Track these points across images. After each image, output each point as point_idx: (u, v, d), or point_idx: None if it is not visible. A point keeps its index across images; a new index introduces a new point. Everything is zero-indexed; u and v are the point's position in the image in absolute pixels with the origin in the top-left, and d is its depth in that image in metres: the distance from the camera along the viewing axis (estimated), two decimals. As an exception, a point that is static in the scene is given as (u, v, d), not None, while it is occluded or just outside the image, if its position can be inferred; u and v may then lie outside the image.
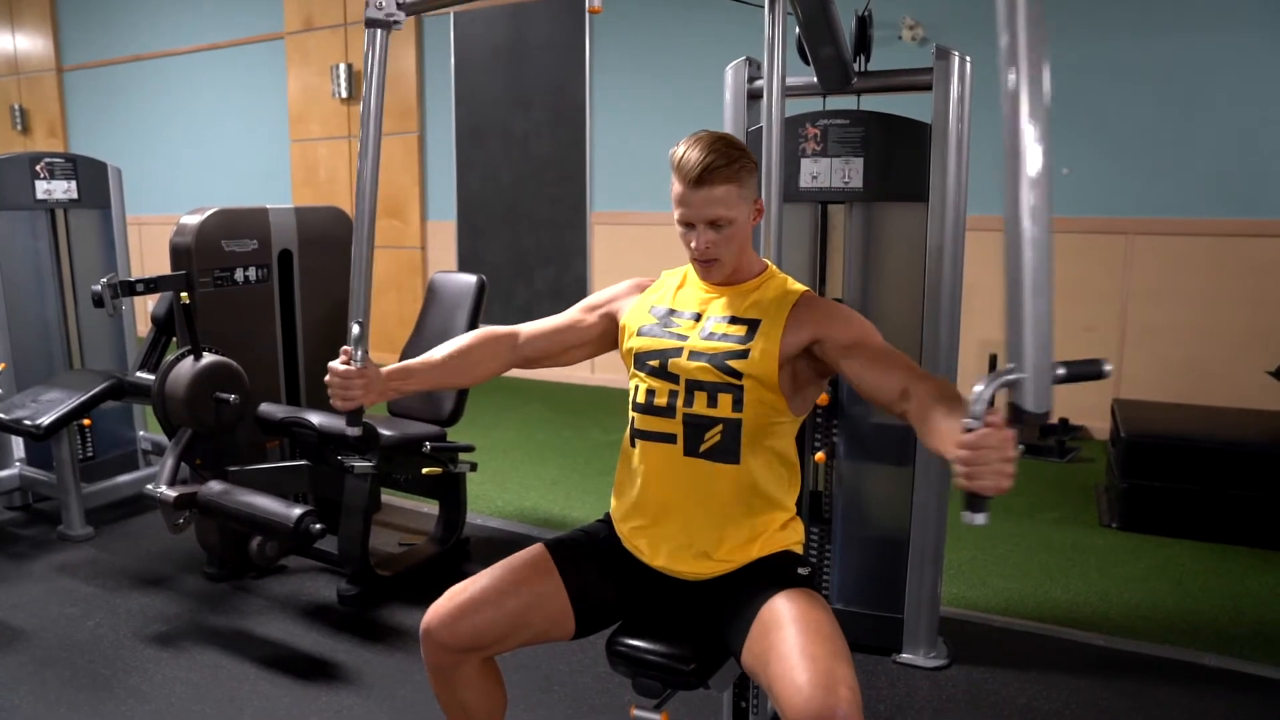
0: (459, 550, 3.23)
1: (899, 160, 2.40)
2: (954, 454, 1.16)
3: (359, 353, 1.63)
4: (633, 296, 1.74)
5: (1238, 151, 4.41)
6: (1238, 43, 4.34)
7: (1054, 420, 4.65)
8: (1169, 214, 4.58)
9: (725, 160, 1.51)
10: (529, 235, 6.29)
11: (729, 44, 5.37)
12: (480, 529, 3.53)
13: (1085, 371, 1.18)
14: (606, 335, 1.75)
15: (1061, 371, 1.14)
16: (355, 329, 1.67)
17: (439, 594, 1.66)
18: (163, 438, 4.04)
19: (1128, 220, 4.66)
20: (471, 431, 3.35)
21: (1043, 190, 1.08)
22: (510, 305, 6.22)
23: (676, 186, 1.55)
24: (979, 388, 1.17)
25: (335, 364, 1.63)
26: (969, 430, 1.15)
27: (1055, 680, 2.45)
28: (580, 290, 6.13)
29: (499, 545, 3.40)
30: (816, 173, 2.47)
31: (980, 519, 1.18)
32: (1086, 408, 4.76)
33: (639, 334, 1.66)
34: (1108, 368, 1.16)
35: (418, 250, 6.75)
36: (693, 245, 1.57)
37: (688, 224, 1.56)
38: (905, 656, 2.53)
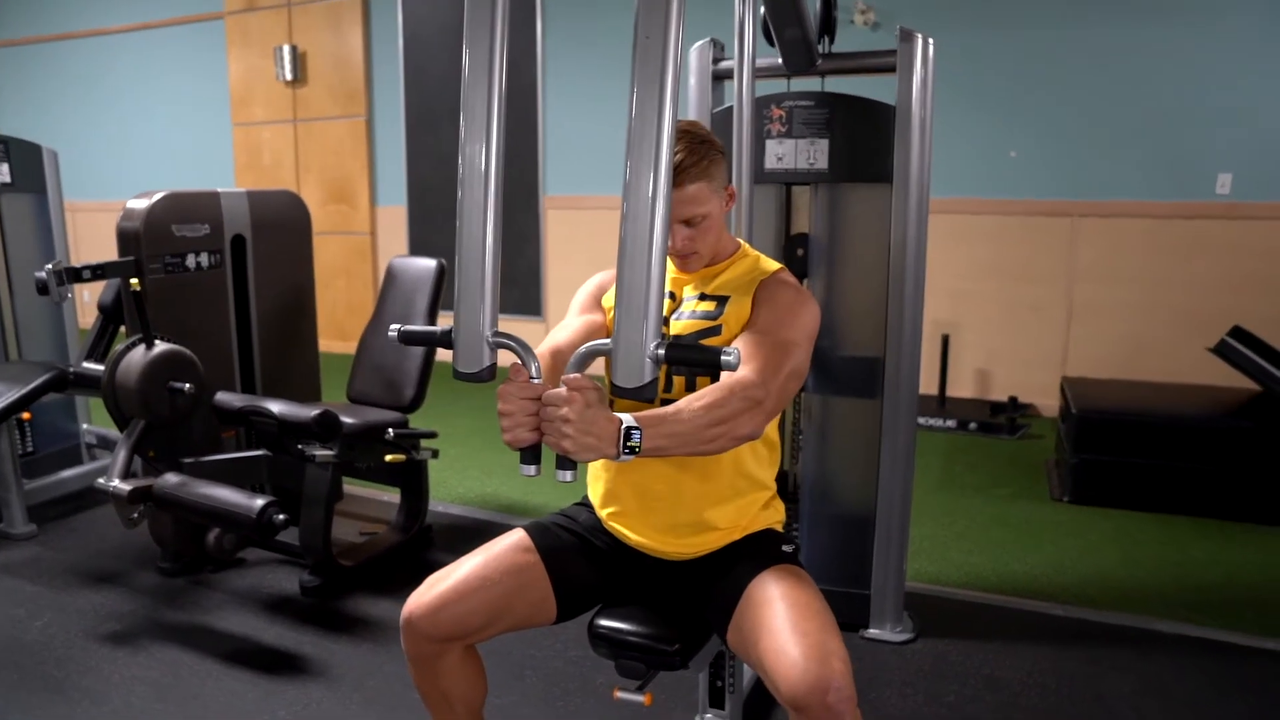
0: (422, 538, 3.20)
1: (864, 142, 2.42)
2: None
3: (534, 367, 1.29)
4: (614, 282, 1.73)
5: (1174, 136, 4.54)
6: (1173, 30, 4.46)
7: (1004, 399, 4.76)
8: (1111, 196, 4.70)
9: (694, 158, 1.50)
10: (481, 220, 6.20)
11: (686, 23, 5.37)
12: (442, 516, 3.50)
13: (696, 358, 1.23)
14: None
15: (661, 352, 1.19)
16: (503, 342, 1.28)
17: (403, 583, 1.63)
18: (108, 430, 3.92)
19: (1071, 203, 4.77)
20: (427, 418, 3.30)
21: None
22: (463, 291, 6.14)
23: None
24: (579, 351, 1.27)
25: (514, 386, 1.27)
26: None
27: (1018, 650, 2.51)
28: (534, 275, 6.09)
29: (462, 533, 3.37)
30: (781, 154, 2.48)
31: (565, 476, 1.27)
32: (1034, 386, 4.88)
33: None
34: (728, 359, 1.19)
35: (367, 236, 6.63)
36: (669, 244, 1.56)
37: None
38: (873, 631, 2.57)
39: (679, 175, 1.48)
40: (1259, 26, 4.32)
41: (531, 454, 1.29)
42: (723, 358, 1.18)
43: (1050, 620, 2.69)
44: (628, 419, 1.25)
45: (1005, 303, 4.94)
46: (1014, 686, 2.34)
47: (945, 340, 4.88)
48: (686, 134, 1.50)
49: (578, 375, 1.25)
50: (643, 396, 1.16)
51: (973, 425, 4.62)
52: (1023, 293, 4.91)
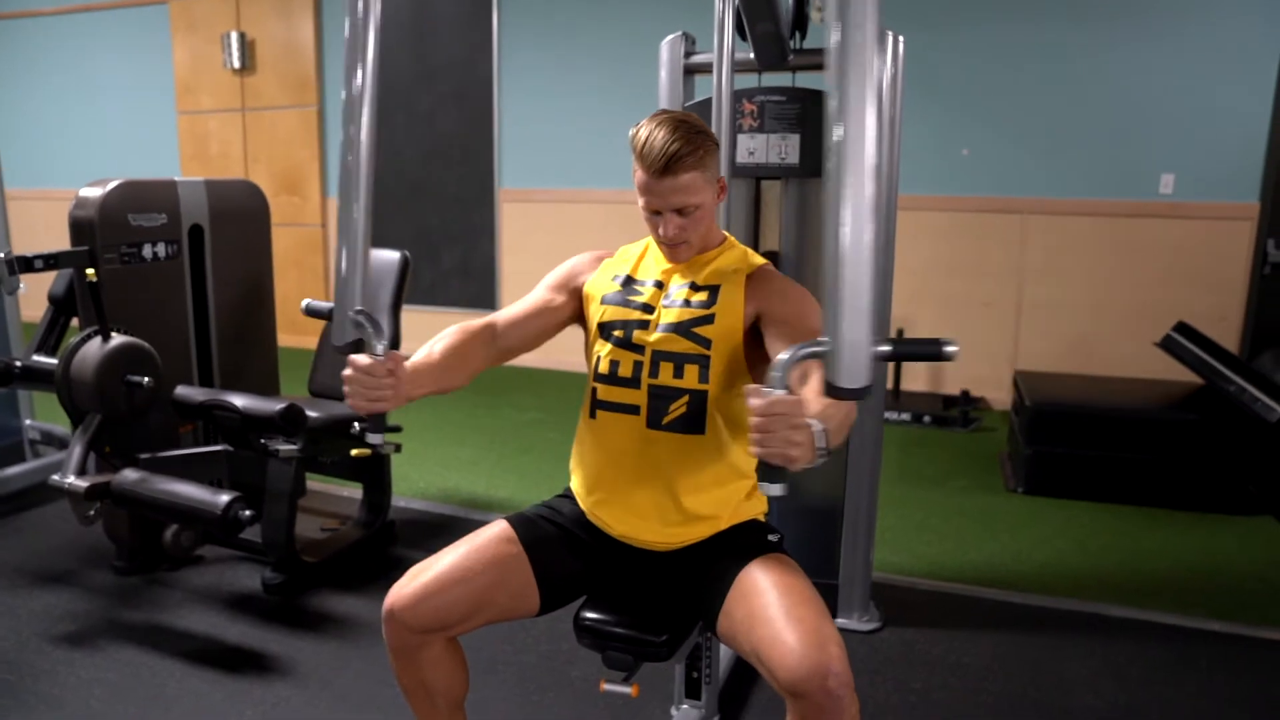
0: (385, 533, 3.15)
1: (835, 137, 2.44)
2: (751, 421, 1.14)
3: (380, 346, 1.41)
4: (594, 268, 1.73)
5: (1120, 137, 4.67)
6: (1120, 35, 4.59)
7: (956, 393, 4.86)
8: (1061, 194, 4.82)
9: (690, 147, 1.50)
10: (435, 213, 6.14)
11: (640, 18, 5.38)
12: (404, 511, 3.45)
13: (920, 351, 1.15)
14: (576, 313, 1.72)
15: (886, 349, 1.12)
16: (357, 319, 1.41)
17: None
18: (52, 425, 3.80)
19: (1022, 200, 4.88)
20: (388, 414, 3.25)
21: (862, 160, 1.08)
22: (417, 285, 6.07)
23: (640, 175, 1.53)
24: (783, 355, 1.15)
25: (360, 358, 1.41)
26: (763, 396, 1.13)
27: (981, 637, 2.57)
28: (489, 269, 6.04)
29: (424, 527, 3.34)
30: (753, 148, 2.50)
31: (775, 490, 1.15)
32: (985, 379, 4.99)
33: (602, 301, 1.66)
34: (950, 349, 1.12)
35: (318, 228, 6.50)
36: (661, 232, 1.57)
37: (654, 211, 1.56)
38: (841, 621, 2.61)
39: (674, 164, 1.48)
40: (1202, 33, 4.47)
41: (375, 422, 1.45)
42: (945, 348, 1.12)
43: (1010, 608, 2.76)
44: (815, 423, 1.16)
45: (957, 298, 5.04)
46: (979, 672, 2.40)
47: (899, 334, 4.96)
48: (683, 124, 1.51)
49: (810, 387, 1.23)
50: (863, 397, 1.10)
51: (926, 418, 4.71)
52: (974, 288, 5.01)
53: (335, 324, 1.42)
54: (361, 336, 1.42)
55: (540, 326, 1.69)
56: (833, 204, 1.07)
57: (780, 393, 1.13)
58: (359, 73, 1.36)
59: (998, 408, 4.94)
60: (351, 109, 1.35)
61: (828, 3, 1.07)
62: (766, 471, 1.15)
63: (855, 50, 1.05)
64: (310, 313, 1.50)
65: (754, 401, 1.13)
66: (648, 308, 1.62)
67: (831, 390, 1.11)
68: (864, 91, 1.05)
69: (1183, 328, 3.83)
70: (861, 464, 2.55)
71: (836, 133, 1.06)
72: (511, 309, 1.69)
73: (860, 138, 1.05)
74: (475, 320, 1.65)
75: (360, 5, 1.35)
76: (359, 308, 1.40)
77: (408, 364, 1.48)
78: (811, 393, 1.26)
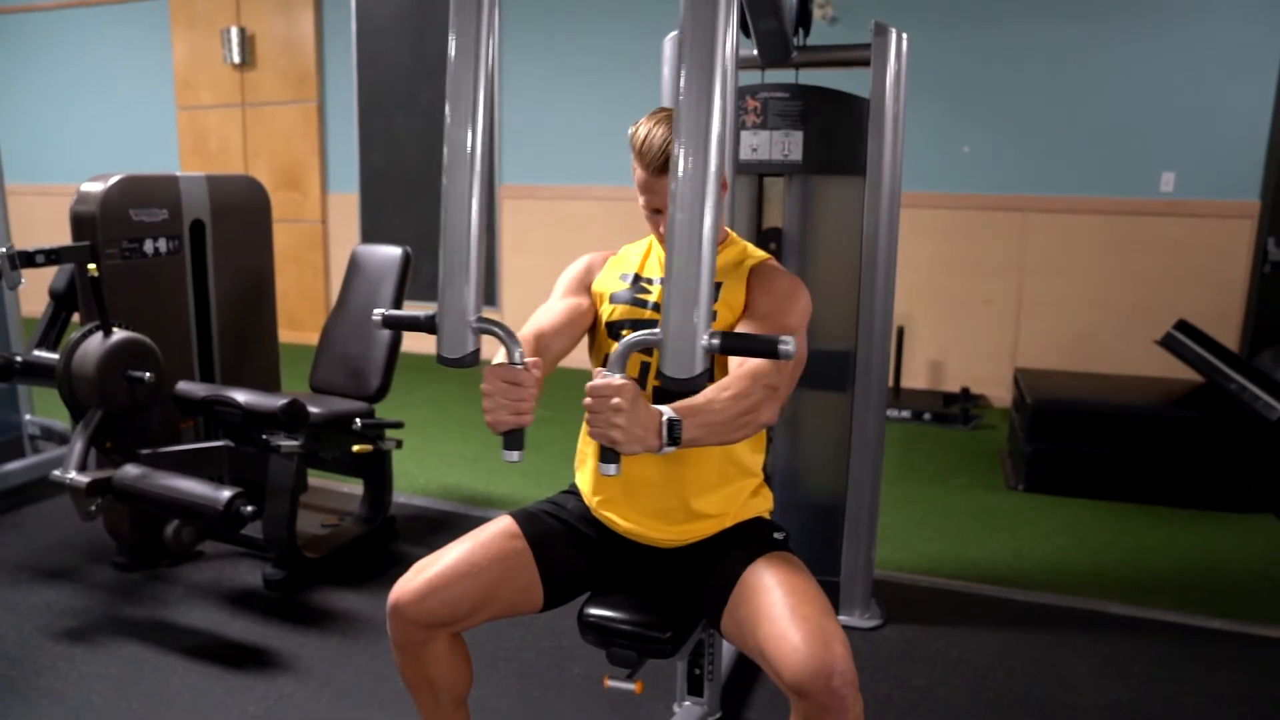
0: (386, 530, 3.15)
1: (838, 134, 2.44)
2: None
3: (517, 353, 1.30)
4: (601, 266, 1.73)
5: (1122, 134, 4.67)
6: (1121, 33, 4.59)
7: (957, 390, 4.86)
8: (1061, 192, 4.82)
9: None
10: (435, 209, 6.08)
11: (640, 15, 5.37)
12: (404, 508, 3.45)
13: (752, 347, 1.20)
14: (596, 312, 1.71)
15: (715, 342, 1.17)
16: (485, 327, 1.29)
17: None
18: (52, 421, 3.79)
19: (1023, 198, 4.88)
20: (386, 408, 3.25)
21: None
22: (417, 281, 6.04)
23: (639, 173, 1.53)
24: (621, 344, 1.24)
25: (503, 369, 1.28)
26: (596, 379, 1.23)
27: (982, 634, 2.57)
28: (490, 265, 6.03)
29: (425, 524, 3.34)
30: (756, 145, 2.49)
31: (610, 470, 1.23)
32: (986, 377, 5.00)
33: (611, 300, 1.65)
34: (785, 348, 1.16)
35: (318, 224, 6.49)
36: (661, 230, 1.57)
37: (654, 209, 1.55)
38: (842, 618, 2.61)
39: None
40: (1203, 31, 4.47)
41: (515, 439, 1.30)
42: (780, 347, 1.15)
43: (1012, 605, 2.77)
44: (668, 411, 1.23)
45: (957, 295, 5.04)
46: (981, 669, 2.40)
47: (900, 332, 4.96)
48: None
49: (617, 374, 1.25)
50: (693, 387, 1.14)
51: (927, 416, 4.71)
52: (975, 286, 5.01)
53: (446, 334, 1.29)
54: (478, 347, 1.30)
55: (579, 331, 1.65)
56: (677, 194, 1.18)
57: (615, 377, 1.21)
58: (471, 76, 1.26)
59: (998, 405, 4.95)
60: (458, 114, 1.27)
61: None
62: (601, 451, 1.24)
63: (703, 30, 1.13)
64: (392, 324, 1.37)
65: (588, 384, 1.22)
66: (656, 307, 1.61)
67: (662, 379, 1.18)
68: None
69: (1183, 326, 3.83)
70: (864, 461, 2.55)
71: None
72: (548, 318, 1.61)
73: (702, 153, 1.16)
74: (524, 332, 1.53)
75: (472, 54, 1.25)
76: (480, 314, 1.29)
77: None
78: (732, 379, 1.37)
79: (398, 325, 1.38)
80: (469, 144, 1.26)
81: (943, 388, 5.09)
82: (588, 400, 1.22)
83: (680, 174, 1.15)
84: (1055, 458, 3.68)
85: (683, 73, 1.14)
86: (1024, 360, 4.92)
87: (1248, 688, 2.34)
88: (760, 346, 1.18)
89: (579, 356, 1.71)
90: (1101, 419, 3.64)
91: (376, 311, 1.39)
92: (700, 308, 1.15)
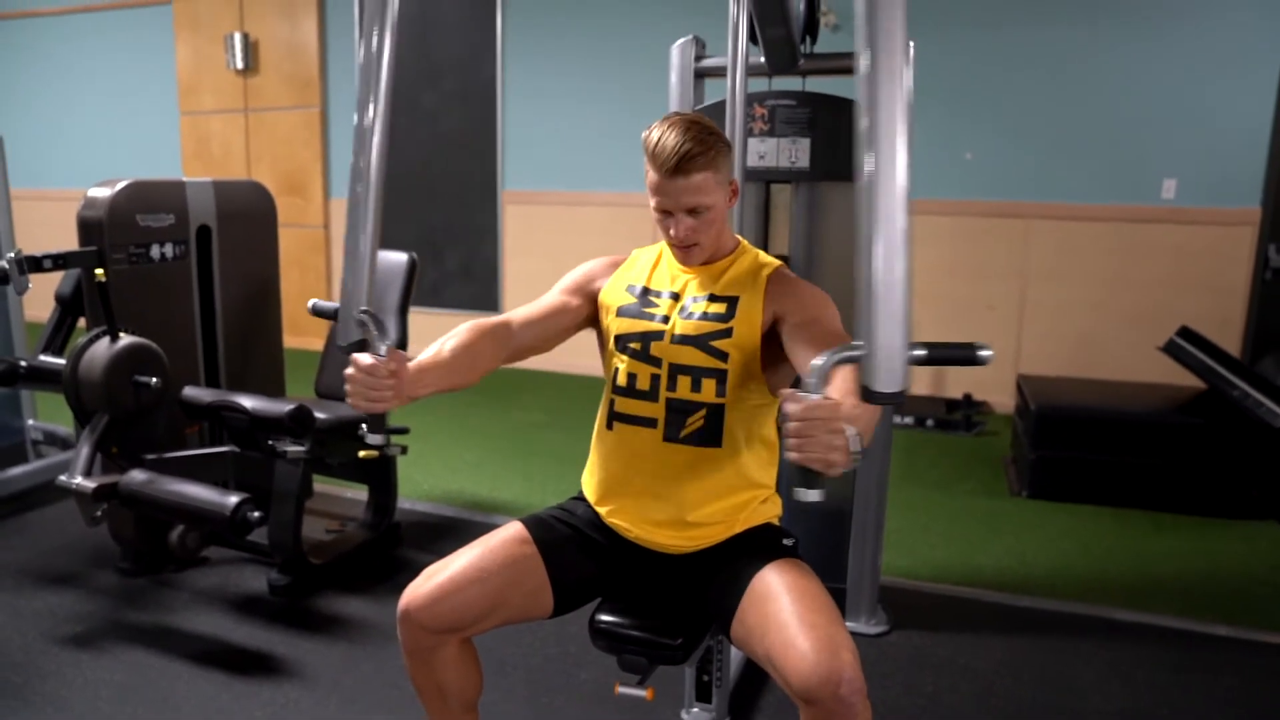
0: (391, 535, 3.15)
1: (846, 141, 2.45)
2: (785, 426, 1.13)
3: (383, 346, 1.40)
4: (608, 274, 1.73)
5: (1124, 141, 4.68)
6: (1124, 36, 4.60)
7: (959, 397, 4.86)
8: (1063, 199, 4.83)
9: (702, 148, 1.50)
10: (438, 214, 6.14)
11: (642, 22, 5.39)
12: (409, 513, 3.45)
13: (954, 355, 1.13)
14: (590, 317, 1.72)
15: (920, 353, 1.10)
16: (361, 319, 1.41)
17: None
18: (55, 426, 3.79)
19: (1026, 204, 4.89)
20: (390, 415, 3.25)
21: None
22: (420, 286, 6.05)
23: (652, 175, 1.53)
24: (818, 361, 1.14)
25: (362, 357, 1.39)
26: (799, 401, 1.11)
27: (989, 640, 2.57)
28: (491, 271, 6.04)
29: (429, 530, 3.34)
30: (763, 152, 2.50)
31: (813, 495, 1.14)
32: (988, 383, 5.00)
33: (618, 314, 1.65)
34: (985, 353, 1.11)
35: (320, 229, 6.50)
36: (672, 233, 1.57)
37: (665, 212, 1.56)
38: (849, 625, 2.60)
39: (685, 163, 1.48)
40: (1204, 39, 4.48)
41: (375, 423, 1.44)
42: (979, 352, 1.11)
43: (1017, 611, 2.77)
44: (849, 427, 1.14)
45: (961, 301, 5.05)
46: (988, 675, 2.40)
47: (903, 338, 4.96)
48: (695, 124, 1.51)
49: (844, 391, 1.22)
50: (898, 401, 1.09)
51: (930, 422, 4.71)
52: (977, 292, 5.02)
53: (340, 324, 1.43)
54: (365, 336, 1.42)
55: (555, 328, 1.68)
56: (866, 210, 1.08)
57: (816, 398, 1.11)
58: (373, 79, 1.41)
59: (1000, 411, 4.95)
60: (363, 133, 1.42)
61: (857, 30, 1.05)
62: (803, 477, 1.12)
63: (885, 78, 1.05)
64: (316, 313, 1.50)
65: (790, 407, 1.10)
66: (665, 320, 1.61)
67: (868, 395, 1.09)
68: (894, 118, 1.05)
69: (1186, 332, 3.84)
70: (870, 467, 2.55)
71: (868, 161, 1.06)
72: (527, 309, 1.67)
73: (891, 162, 1.06)
74: (489, 318, 1.63)
75: (374, 40, 1.37)
76: (364, 308, 1.41)
77: (415, 362, 1.47)
78: (838, 395, 1.25)
79: (321, 314, 1.50)
80: (365, 161, 1.43)
81: (945, 394, 5.09)
82: (796, 424, 1.10)
83: (875, 193, 1.07)
84: (1059, 464, 3.68)
85: (868, 103, 1.07)
86: (1027, 366, 4.92)
87: (1251, 693, 2.34)
88: (960, 354, 1.13)
89: (586, 364, 1.72)
90: (1105, 425, 3.64)
91: (310, 301, 1.52)
92: (904, 321, 1.08)
